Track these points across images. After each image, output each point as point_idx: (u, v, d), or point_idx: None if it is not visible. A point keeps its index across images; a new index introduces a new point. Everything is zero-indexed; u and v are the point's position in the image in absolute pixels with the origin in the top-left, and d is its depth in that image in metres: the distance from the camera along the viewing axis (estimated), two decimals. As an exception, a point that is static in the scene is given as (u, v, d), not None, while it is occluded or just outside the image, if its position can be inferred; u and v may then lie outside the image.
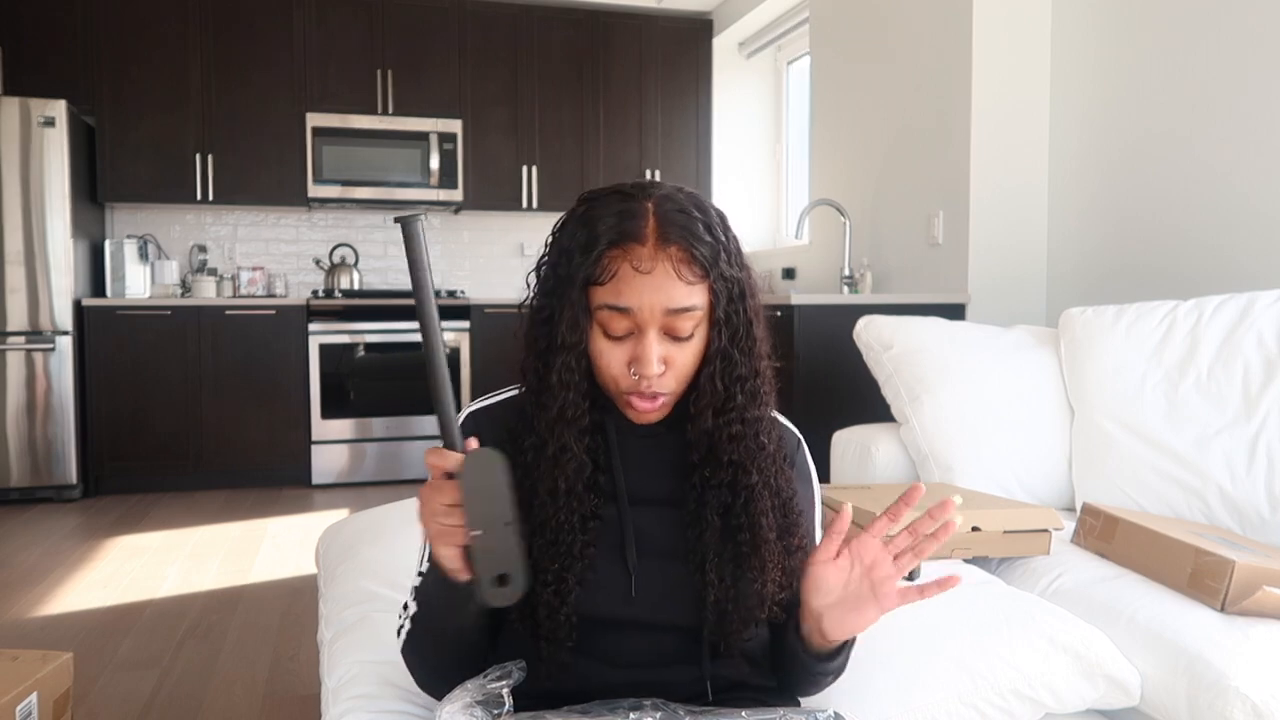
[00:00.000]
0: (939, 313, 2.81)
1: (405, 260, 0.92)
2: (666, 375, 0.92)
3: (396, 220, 0.84)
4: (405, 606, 0.99)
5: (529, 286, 0.98)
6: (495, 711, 0.86)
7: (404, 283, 5.39)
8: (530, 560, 0.90)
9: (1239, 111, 2.51)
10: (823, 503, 1.28)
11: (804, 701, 1.06)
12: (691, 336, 0.92)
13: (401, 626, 0.99)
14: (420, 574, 0.98)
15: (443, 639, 0.95)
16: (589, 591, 0.93)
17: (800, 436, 1.09)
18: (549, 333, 0.93)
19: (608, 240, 0.90)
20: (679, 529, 0.97)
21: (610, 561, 0.95)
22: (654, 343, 0.90)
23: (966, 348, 2.20)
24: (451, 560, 0.85)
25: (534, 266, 0.98)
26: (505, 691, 0.87)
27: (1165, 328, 1.98)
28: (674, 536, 0.97)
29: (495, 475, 0.82)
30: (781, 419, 1.06)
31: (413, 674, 1.01)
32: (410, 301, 4.83)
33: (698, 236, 0.90)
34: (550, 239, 0.97)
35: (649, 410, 0.94)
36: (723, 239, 0.93)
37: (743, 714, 0.90)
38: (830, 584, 0.93)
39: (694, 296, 0.90)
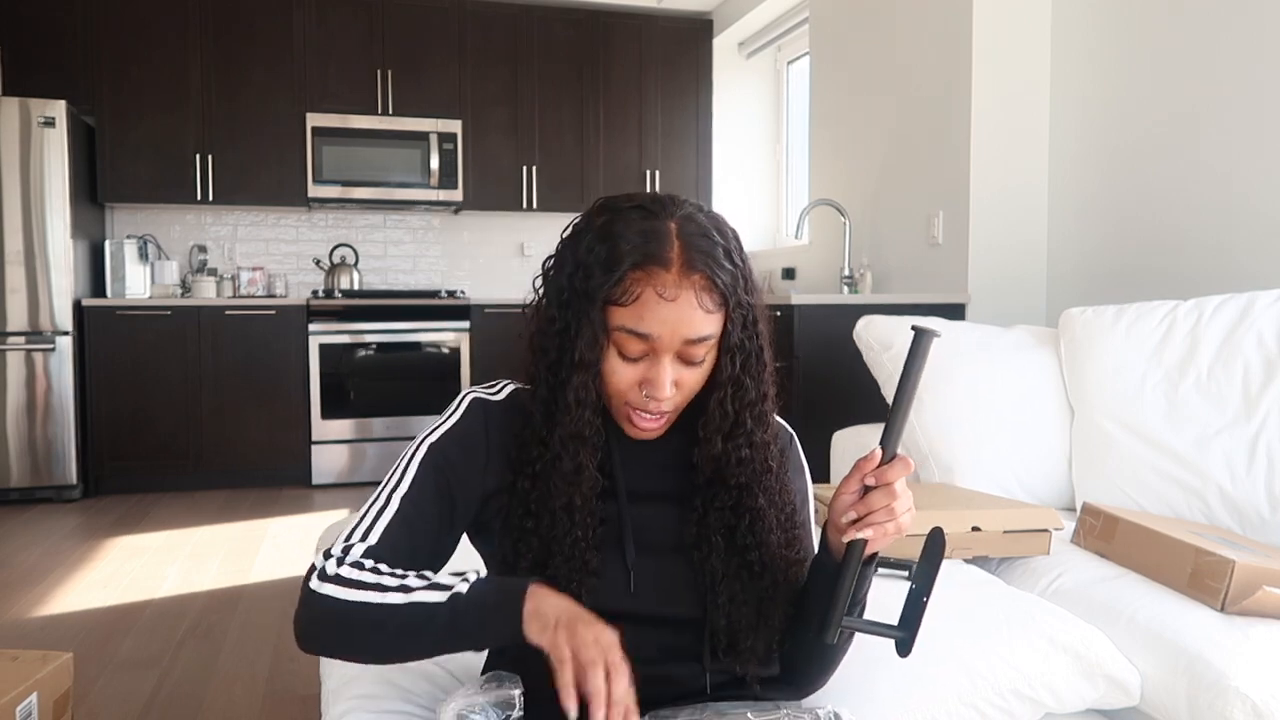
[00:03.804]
0: (939, 313, 2.81)
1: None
2: (674, 395, 0.94)
3: (914, 329, 0.87)
4: (377, 572, 0.88)
5: (535, 290, 0.97)
6: (505, 713, 0.86)
7: (403, 282, 5.39)
8: (547, 573, 0.92)
9: (1239, 111, 2.51)
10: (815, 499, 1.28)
11: (804, 701, 1.06)
12: (703, 361, 0.94)
13: (355, 583, 0.87)
14: (460, 579, 0.87)
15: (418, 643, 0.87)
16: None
17: (793, 433, 1.10)
18: (562, 346, 0.93)
19: (631, 261, 0.89)
20: (678, 524, 0.98)
21: (610, 557, 0.96)
22: (669, 367, 0.91)
23: (967, 348, 2.20)
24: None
25: (541, 270, 0.97)
26: (517, 694, 0.87)
27: (1165, 328, 1.98)
28: (673, 531, 0.98)
29: None
30: (775, 417, 1.06)
31: (314, 631, 0.89)
32: (410, 302, 4.84)
33: (720, 264, 0.91)
34: (563, 245, 0.96)
35: (652, 429, 0.95)
36: (740, 264, 0.93)
37: (747, 714, 0.90)
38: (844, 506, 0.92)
39: (712, 325, 0.91)
